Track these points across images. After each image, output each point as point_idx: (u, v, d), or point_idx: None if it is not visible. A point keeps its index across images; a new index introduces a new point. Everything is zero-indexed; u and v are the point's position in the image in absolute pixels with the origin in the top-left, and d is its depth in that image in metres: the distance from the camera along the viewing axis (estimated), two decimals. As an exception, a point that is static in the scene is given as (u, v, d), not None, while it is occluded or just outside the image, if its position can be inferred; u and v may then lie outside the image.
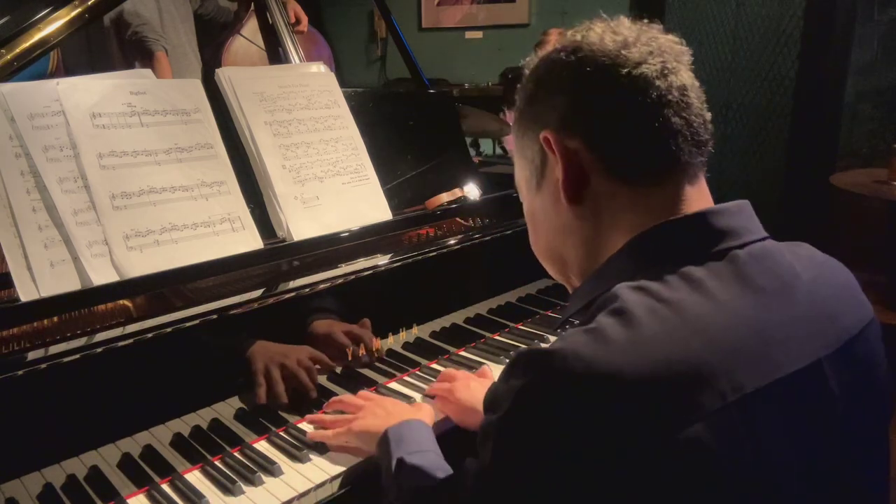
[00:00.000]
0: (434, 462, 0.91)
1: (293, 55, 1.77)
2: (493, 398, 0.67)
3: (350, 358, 1.25)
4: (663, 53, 0.70)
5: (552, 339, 1.47)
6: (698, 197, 0.72)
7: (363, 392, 1.19)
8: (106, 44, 2.78)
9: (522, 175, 0.82)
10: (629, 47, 0.70)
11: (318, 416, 1.13)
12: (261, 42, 1.98)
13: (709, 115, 0.72)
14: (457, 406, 1.14)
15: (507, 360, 1.34)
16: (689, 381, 0.58)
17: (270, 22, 1.82)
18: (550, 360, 0.60)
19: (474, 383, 1.17)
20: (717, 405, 0.57)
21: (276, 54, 1.83)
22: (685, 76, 0.71)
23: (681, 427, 0.56)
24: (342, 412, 1.13)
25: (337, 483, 1.03)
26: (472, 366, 1.34)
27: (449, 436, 1.12)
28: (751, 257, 0.67)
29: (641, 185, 0.71)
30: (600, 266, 0.74)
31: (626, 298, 0.64)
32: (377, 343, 1.29)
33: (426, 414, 1.10)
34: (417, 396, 1.24)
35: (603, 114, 0.70)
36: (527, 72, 0.80)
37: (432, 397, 1.21)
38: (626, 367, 0.57)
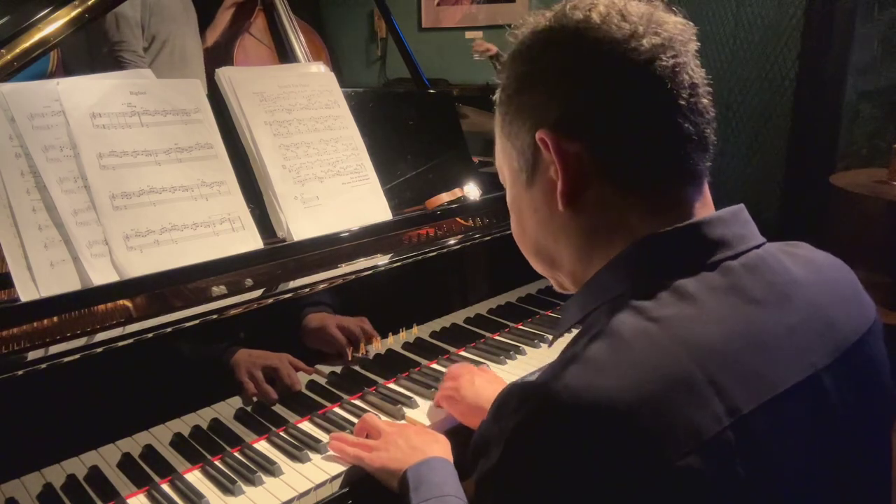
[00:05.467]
0: None
1: (301, 54, 1.79)
2: (482, 442, 0.63)
3: (350, 357, 1.25)
4: (673, 44, 0.65)
5: (552, 339, 1.46)
6: (700, 204, 0.69)
7: (387, 421, 1.14)
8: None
9: (508, 162, 0.76)
10: (638, 38, 0.64)
11: (342, 434, 1.10)
12: (269, 41, 1.99)
13: (714, 113, 0.69)
14: (464, 406, 1.13)
15: (506, 359, 1.36)
16: (683, 405, 0.56)
17: (278, 21, 1.84)
18: (541, 397, 0.58)
19: (479, 380, 1.16)
20: (714, 431, 0.55)
21: (284, 53, 1.85)
22: (694, 71, 0.67)
23: (678, 456, 0.54)
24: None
25: (337, 483, 1.03)
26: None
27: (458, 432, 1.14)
28: (745, 268, 0.65)
29: (644, 192, 0.68)
30: (593, 277, 0.70)
31: (614, 320, 0.61)
32: (377, 343, 1.29)
33: (444, 445, 1.04)
34: (417, 397, 1.24)
35: (607, 118, 0.66)
36: (513, 40, 0.73)
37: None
38: (618, 396, 0.55)
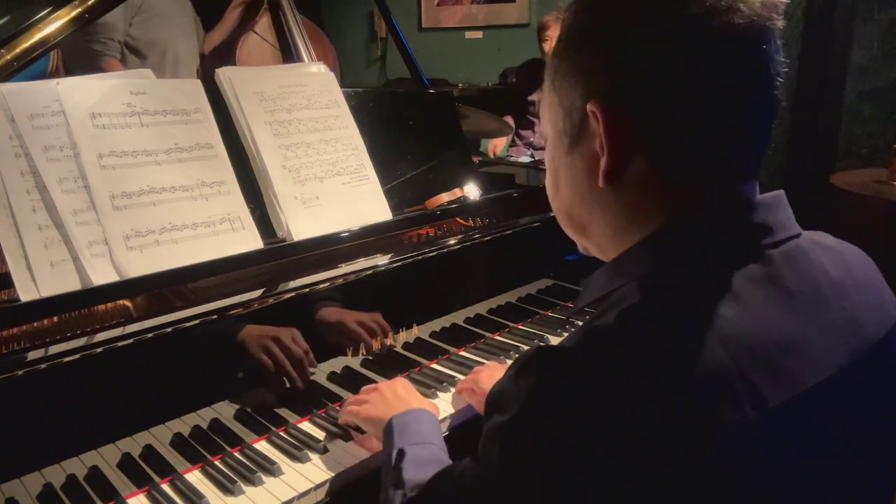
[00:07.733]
0: (435, 455, 0.90)
1: (305, 54, 1.79)
2: (498, 398, 0.62)
3: (350, 356, 1.26)
4: (753, 28, 0.59)
5: (552, 339, 1.46)
6: (748, 193, 0.65)
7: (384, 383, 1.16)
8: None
9: (552, 119, 0.70)
10: (720, 14, 0.58)
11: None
12: (273, 39, 1.99)
13: (782, 94, 0.63)
14: (480, 396, 1.16)
15: (506, 359, 1.36)
16: (709, 391, 0.55)
17: (283, 21, 1.84)
18: (564, 359, 0.57)
19: (499, 374, 1.17)
20: (738, 421, 0.54)
21: (288, 52, 1.85)
22: (772, 59, 0.61)
23: (697, 441, 0.53)
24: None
25: (338, 483, 1.03)
26: (471, 366, 1.34)
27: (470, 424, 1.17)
28: (783, 258, 0.63)
29: (695, 181, 0.63)
30: (624, 253, 0.67)
31: (646, 298, 0.60)
32: (377, 343, 1.29)
33: (433, 407, 1.09)
34: (417, 396, 1.24)
35: (669, 100, 0.60)
36: None
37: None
38: (646, 373, 0.54)
